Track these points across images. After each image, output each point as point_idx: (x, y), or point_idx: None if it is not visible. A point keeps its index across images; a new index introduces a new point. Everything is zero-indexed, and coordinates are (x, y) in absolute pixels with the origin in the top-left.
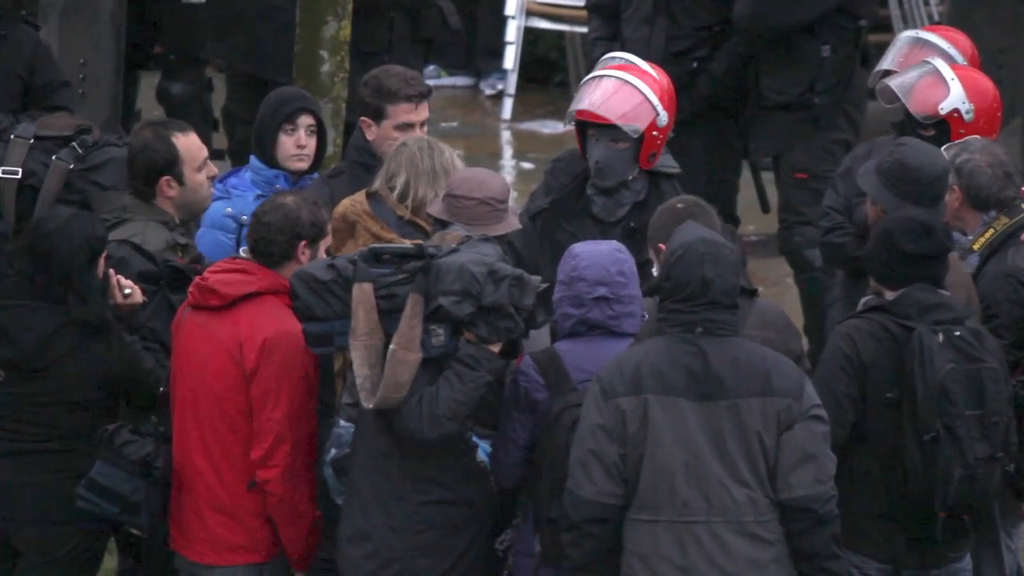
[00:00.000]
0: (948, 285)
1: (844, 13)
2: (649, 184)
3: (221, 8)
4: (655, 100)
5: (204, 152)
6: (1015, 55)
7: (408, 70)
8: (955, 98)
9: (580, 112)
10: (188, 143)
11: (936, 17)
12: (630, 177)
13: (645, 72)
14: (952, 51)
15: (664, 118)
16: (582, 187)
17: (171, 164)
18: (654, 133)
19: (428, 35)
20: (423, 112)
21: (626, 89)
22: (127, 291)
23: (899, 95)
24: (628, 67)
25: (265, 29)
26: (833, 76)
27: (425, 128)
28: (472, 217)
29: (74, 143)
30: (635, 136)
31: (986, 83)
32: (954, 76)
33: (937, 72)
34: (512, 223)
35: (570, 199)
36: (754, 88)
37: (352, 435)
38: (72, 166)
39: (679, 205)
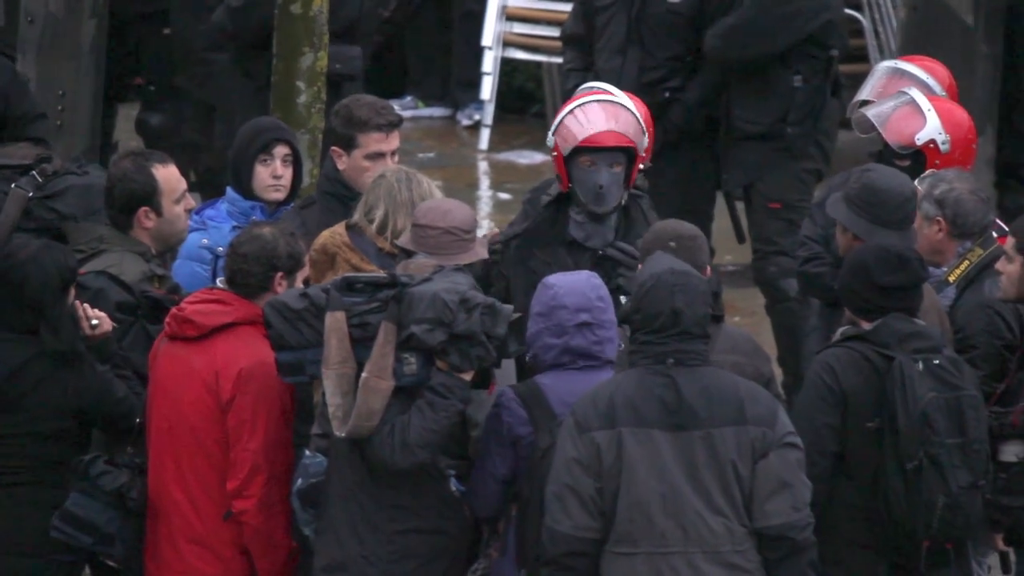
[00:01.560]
0: (921, 312)
1: (815, 43)
2: (621, 210)
3: (177, 36)
4: (641, 124)
5: (183, 184)
6: (967, 86)
7: (379, 99)
8: (931, 129)
9: (601, 135)
10: (168, 175)
11: None
12: (622, 201)
13: (628, 98)
14: (930, 81)
15: (646, 142)
16: (555, 214)
17: (150, 195)
18: (641, 154)
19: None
20: (394, 141)
21: (624, 112)
22: (94, 322)
23: (876, 125)
24: (612, 94)
25: (213, 58)
26: (805, 106)
27: (396, 157)
28: (436, 247)
29: (34, 171)
30: (643, 154)
31: (961, 114)
32: (930, 107)
33: (914, 103)
34: (479, 253)
35: (543, 226)
36: (725, 119)
37: (318, 466)
38: (31, 194)
39: (671, 244)
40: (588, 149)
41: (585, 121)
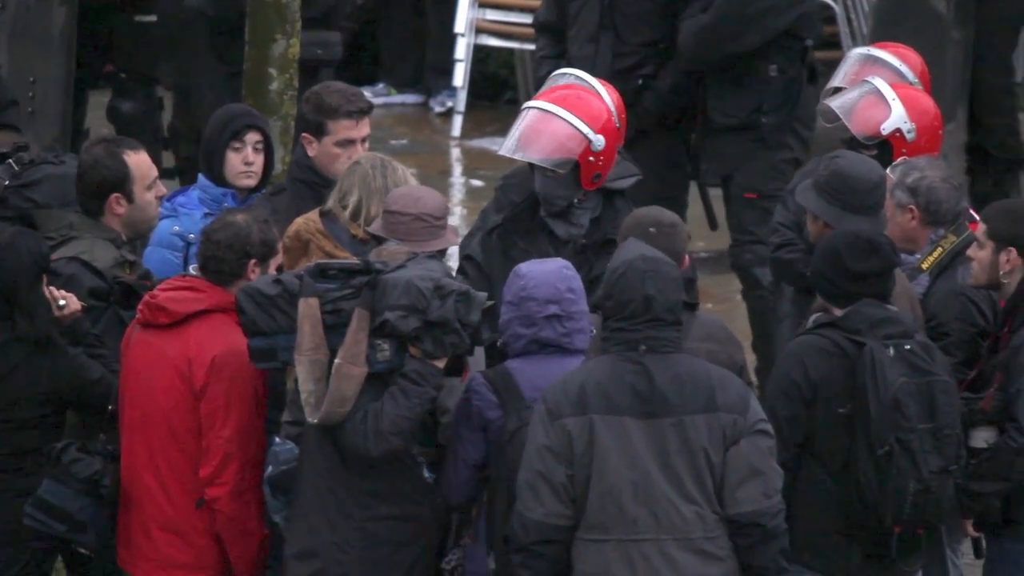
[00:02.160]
0: (893, 298)
1: (789, 35)
2: (603, 199)
3: (169, 25)
4: (584, 128)
5: (154, 171)
6: (939, 72)
7: (349, 86)
8: (896, 118)
9: (514, 155)
10: (139, 161)
11: None
12: (575, 200)
13: (581, 96)
14: (903, 68)
15: (599, 142)
16: (536, 205)
17: (121, 182)
18: (590, 159)
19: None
20: (364, 128)
21: (551, 123)
22: (61, 302)
23: (840, 116)
24: (569, 89)
25: (186, 44)
26: (780, 96)
27: (367, 144)
28: (407, 233)
29: (10, 160)
30: (563, 171)
31: (927, 101)
32: (895, 96)
33: (878, 92)
34: (449, 240)
35: (524, 216)
36: (701, 110)
37: (289, 453)
38: (7, 182)
39: (651, 230)
40: None
41: (510, 135)
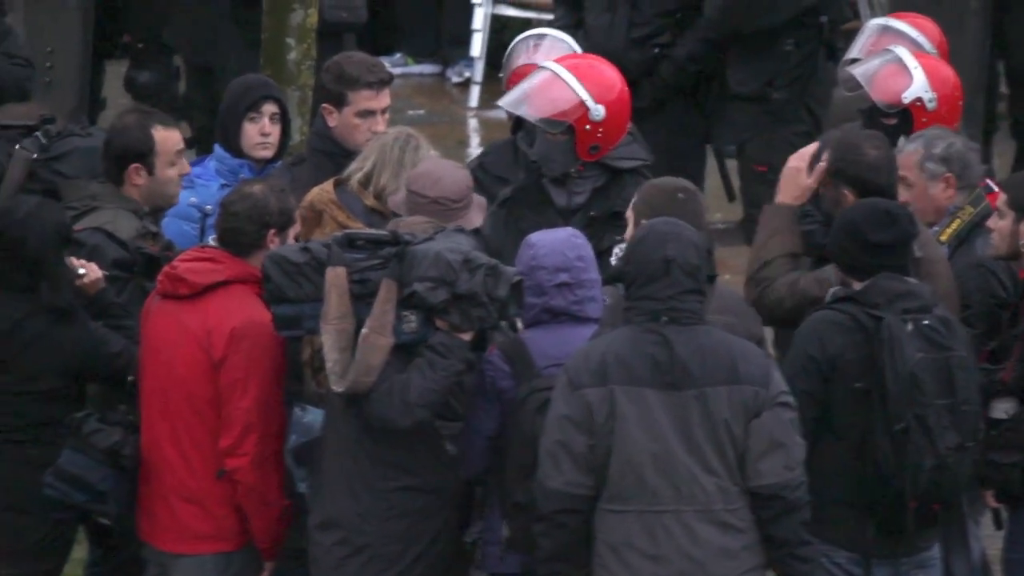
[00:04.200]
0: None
1: (810, 11)
2: (609, 174)
3: None
4: (584, 94)
5: (180, 147)
6: (958, 41)
7: (370, 56)
8: (918, 87)
9: (508, 109)
10: (167, 137)
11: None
12: (572, 170)
13: (594, 66)
14: (920, 39)
15: (598, 112)
16: (541, 176)
17: (144, 153)
18: (586, 127)
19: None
20: (384, 99)
21: (553, 84)
22: (81, 271)
23: (861, 83)
24: (586, 58)
25: (205, 13)
26: (794, 71)
27: (387, 115)
28: (425, 214)
29: (37, 133)
30: (557, 133)
31: (947, 71)
32: (917, 64)
33: (900, 60)
34: (472, 220)
35: (532, 188)
36: (719, 77)
37: (311, 422)
38: (36, 155)
39: (679, 195)
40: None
41: (515, 89)
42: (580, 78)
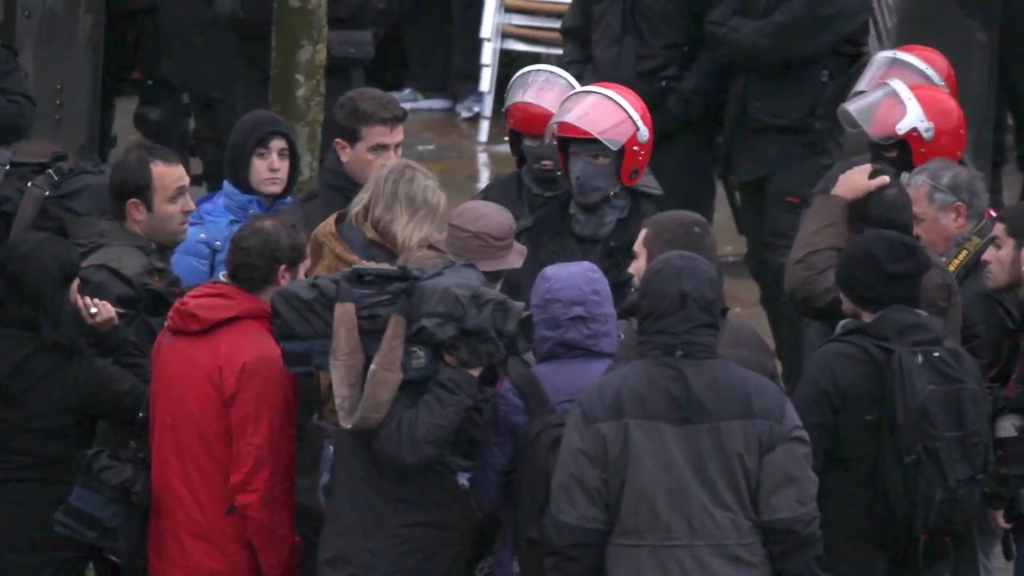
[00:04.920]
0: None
1: (847, 41)
2: (631, 202)
3: (163, 24)
4: (636, 116)
5: (181, 183)
6: (965, 75)
7: (384, 93)
8: (913, 117)
9: (561, 125)
10: (166, 172)
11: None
12: (611, 193)
13: (627, 90)
14: (929, 71)
15: (645, 134)
16: (564, 206)
17: (141, 188)
18: (635, 148)
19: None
20: (398, 135)
21: (606, 104)
22: (93, 310)
23: (858, 120)
24: (611, 86)
25: (213, 50)
26: (832, 101)
27: (399, 151)
28: (464, 249)
29: (50, 170)
30: (615, 150)
31: (949, 103)
32: (911, 95)
33: (895, 93)
34: (511, 262)
35: (552, 218)
36: (737, 108)
37: None
38: (48, 193)
39: (696, 229)
40: (570, 139)
41: (563, 110)
42: (628, 101)
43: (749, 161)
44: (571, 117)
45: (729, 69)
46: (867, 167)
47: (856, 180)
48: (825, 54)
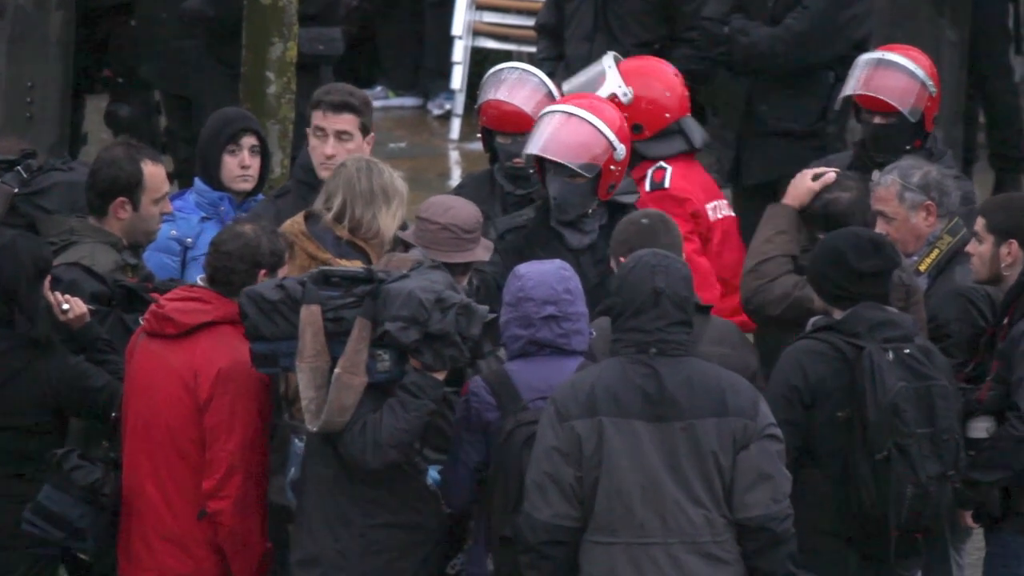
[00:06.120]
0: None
1: (856, 46)
2: (609, 211)
3: (142, 26)
4: (611, 135)
5: (166, 187)
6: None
7: (348, 86)
8: (611, 83)
9: (540, 152)
10: (155, 173)
11: None
12: (590, 210)
13: (597, 104)
14: (917, 70)
15: (621, 152)
16: (547, 213)
17: (132, 187)
18: (612, 168)
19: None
20: (338, 123)
21: (582, 128)
22: (65, 307)
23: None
24: (587, 97)
25: (183, 47)
26: (840, 104)
27: (353, 143)
28: (433, 242)
29: (19, 167)
30: (586, 177)
31: (651, 69)
32: (612, 64)
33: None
34: (478, 255)
35: (542, 229)
36: (744, 112)
37: None
38: (17, 190)
39: (644, 220)
40: (543, 159)
41: (538, 134)
42: (602, 119)
43: (757, 165)
44: (546, 149)
45: (734, 70)
46: (810, 171)
47: (799, 185)
48: (838, 58)
